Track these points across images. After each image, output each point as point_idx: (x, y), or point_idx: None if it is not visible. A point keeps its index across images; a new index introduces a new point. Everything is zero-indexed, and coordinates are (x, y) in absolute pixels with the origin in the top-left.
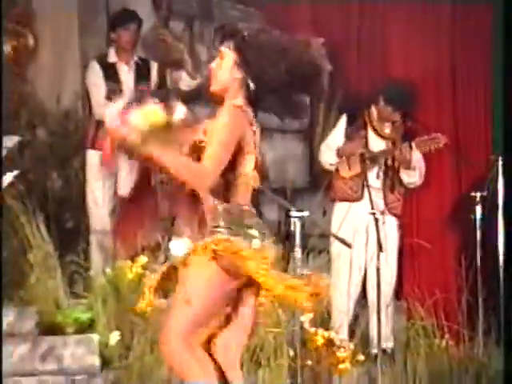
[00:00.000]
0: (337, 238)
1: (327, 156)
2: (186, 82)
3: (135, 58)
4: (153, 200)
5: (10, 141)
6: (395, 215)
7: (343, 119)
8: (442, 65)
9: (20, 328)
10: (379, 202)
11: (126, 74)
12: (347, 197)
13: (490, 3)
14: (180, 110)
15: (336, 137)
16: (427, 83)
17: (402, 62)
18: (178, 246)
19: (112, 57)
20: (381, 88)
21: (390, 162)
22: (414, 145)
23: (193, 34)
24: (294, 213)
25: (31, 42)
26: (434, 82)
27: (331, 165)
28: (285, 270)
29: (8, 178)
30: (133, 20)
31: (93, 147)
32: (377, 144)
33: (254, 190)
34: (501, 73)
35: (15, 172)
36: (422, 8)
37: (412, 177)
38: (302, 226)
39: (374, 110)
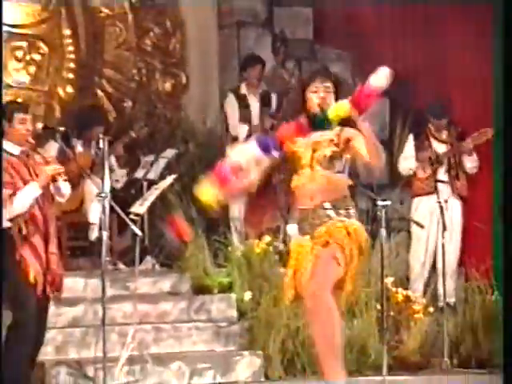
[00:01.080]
0: (413, 221)
1: (406, 164)
2: None
3: (260, 91)
4: (273, 194)
5: (170, 153)
6: (461, 198)
7: (411, 136)
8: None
9: (179, 289)
10: (446, 192)
11: (254, 103)
12: (423, 192)
13: (490, 3)
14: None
15: (408, 149)
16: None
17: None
18: (293, 228)
19: (243, 89)
20: (426, 108)
21: (452, 159)
22: (470, 140)
23: (301, 71)
24: (379, 202)
25: (184, 79)
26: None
27: (410, 169)
28: (372, 246)
29: (169, 180)
30: (259, 62)
31: None
32: (440, 148)
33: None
34: (501, 73)
35: (174, 176)
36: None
37: (474, 161)
38: (386, 213)
39: (430, 125)
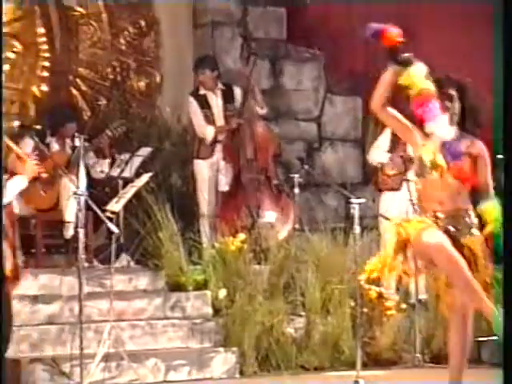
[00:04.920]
0: (384, 217)
1: (376, 155)
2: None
3: (220, 88)
4: (244, 193)
5: (145, 151)
6: None
7: (389, 130)
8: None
9: (154, 287)
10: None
11: (215, 102)
12: (387, 188)
13: (490, 3)
14: None
15: (383, 141)
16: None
17: None
18: (272, 215)
19: (202, 90)
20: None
21: None
22: None
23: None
24: (353, 200)
25: (158, 78)
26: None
27: (379, 163)
28: (346, 243)
29: (144, 178)
30: (207, 65)
31: (197, 157)
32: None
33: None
34: (501, 72)
35: (149, 174)
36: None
37: None
38: (359, 210)
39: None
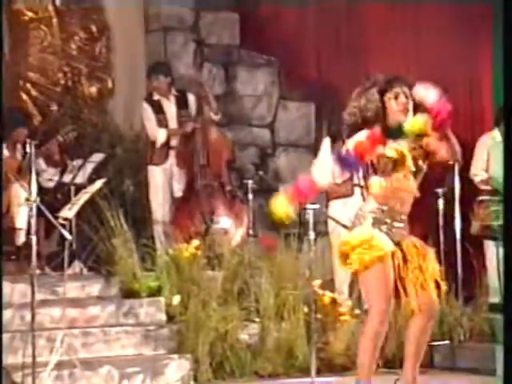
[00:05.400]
0: (337, 222)
1: (318, 171)
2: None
3: (174, 94)
4: (197, 199)
5: (97, 157)
6: None
7: (327, 140)
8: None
9: (108, 293)
10: (360, 197)
11: (168, 107)
12: (337, 196)
13: (490, 3)
14: None
15: (323, 151)
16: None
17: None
18: (226, 221)
19: (156, 96)
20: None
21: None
22: None
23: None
24: (308, 205)
25: (110, 84)
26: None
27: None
28: (299, 249)
29: (97, 184)
30: (160, 72)
31: (151, 163)
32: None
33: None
34: (501, 73)
35: (102, 180)
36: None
37: None
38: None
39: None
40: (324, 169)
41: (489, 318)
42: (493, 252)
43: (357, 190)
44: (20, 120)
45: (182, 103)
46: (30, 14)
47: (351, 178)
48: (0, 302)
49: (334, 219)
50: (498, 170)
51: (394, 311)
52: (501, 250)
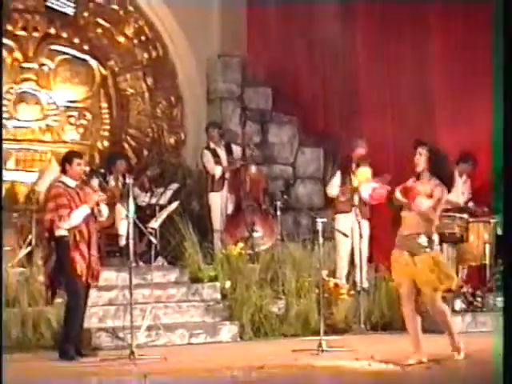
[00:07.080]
0: (339, 231)
1: (332, 190)
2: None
3: (223, 143)
4: (243, 215)
5: (174, 186)
6: (368, 219)
7: (339, 172)
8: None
9: (181, 279)
10: (359, 213)
11: (221, 152)
12: (343, 211)
13: (490, 3)
14: None
15: (335, 180)
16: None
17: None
18: (262, 230)
19: (212, 145)
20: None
21: None
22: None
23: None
24: (318, 219)
25: (183, 136)
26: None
27: (334, 194)
28: (312, 249)
29: (174, 205)
30: (214, 126)
31: (211, 190)
32: (356, 182)
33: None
34: (501, 73)
35: (177, 202)
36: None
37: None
38: (322, 226)
39: (353, 165)
40: (334, 189)
41: None
42: None
43: (353, 208)
44: (119, 156)
45: (228, 150)
46: (130, 90)
47: (351, 199)
48: (0, 302)
49: (337, 229)
50: None
51: (379, 290)
52: None
